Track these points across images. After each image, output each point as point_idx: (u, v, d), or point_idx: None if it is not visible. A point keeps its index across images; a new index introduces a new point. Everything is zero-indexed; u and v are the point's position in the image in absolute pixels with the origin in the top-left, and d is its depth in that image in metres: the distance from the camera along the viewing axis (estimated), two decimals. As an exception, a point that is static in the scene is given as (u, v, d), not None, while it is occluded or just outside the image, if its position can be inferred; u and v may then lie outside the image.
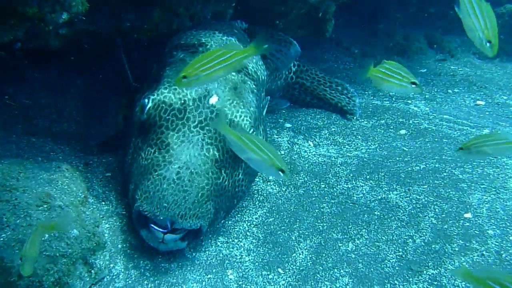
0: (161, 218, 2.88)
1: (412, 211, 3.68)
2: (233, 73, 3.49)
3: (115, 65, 4.26)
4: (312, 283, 3.07)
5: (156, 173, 3.00)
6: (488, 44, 2.31)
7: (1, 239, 2.51)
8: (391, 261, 3.25)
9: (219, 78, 3.03)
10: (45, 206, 2.74)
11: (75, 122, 4.12)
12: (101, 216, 3.32)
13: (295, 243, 3.37)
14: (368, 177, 4.09)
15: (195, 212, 2.93)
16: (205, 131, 3.13)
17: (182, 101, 3.20)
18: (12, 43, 3.11)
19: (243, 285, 3.01)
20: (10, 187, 2.73)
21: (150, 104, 3.19)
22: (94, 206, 3.37)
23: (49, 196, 2.80)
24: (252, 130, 3.27)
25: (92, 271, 2.83)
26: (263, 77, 3.98)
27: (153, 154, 3.10)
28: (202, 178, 3.01)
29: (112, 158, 3.87)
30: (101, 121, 4.10)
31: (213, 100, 3.24)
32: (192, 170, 3.00)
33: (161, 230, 2.94)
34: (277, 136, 4.65)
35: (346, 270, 3.17)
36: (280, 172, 2.44)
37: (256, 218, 3.58)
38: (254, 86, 3.61)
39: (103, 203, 3.46)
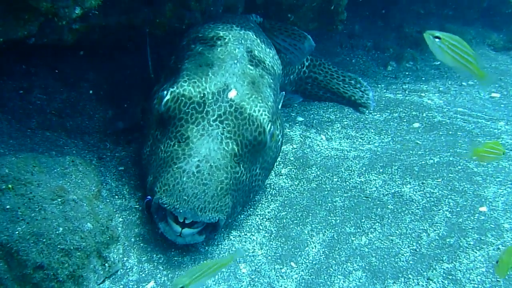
0: (181, 211, 2.89)
1: (426, 205, 3.64)
2: (251, 67, 3.48)
3: (131, 58, 4.28)
4: (325, 277, 3.06)
5: (176, 166, 3.00)
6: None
7: (16, 232, 2.54)
8: (405, 255, 3.23)
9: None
10: (59, 200, 2.76)
11: (88, 116, 4.15)
12: (115, 210, 3.34)
13: (308, 237, 3.36)
14: (381, 170, 4.05)
15: (214, 205, 2.94)
16: (224, 125, 3.12)
17: (202, 95, 3.19)
18: (26, 38, 3.12)
19: (256, 279, 3.01)
20: (25, 181, 2.76)
21: (168, 97, 3.19)
22: (108, 200, 3.40)
23: (63, 190, 2.82)
24: (270, 124, 3.26)
25: (106, 264, 2.86)
26: (279, 72, 3.96)
27: (173, 147, 3.10)
28: (222, 172, 3.01)
29: (125, 152, 3.90)
30: (120, 112, 4.13)
31: (232, 94, 3.23)
32: (212, 164, 3.00)
33: (178, 226, 2.96)
34: (289, 130, 4.63)
35: (360, 264, 3.16)
36: None
37: (268, 212, 3.58)
38: (271, 80, 3.59)
39: (116, 197, 3.49)
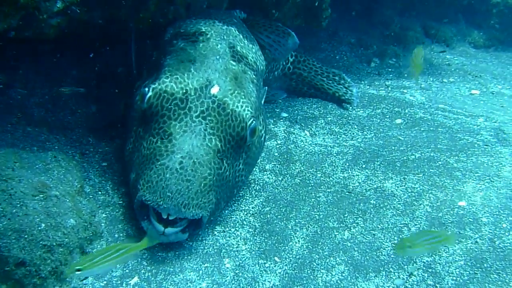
0: (164, 207, 2.88)
1: (408, 200, 3.70)
2: (234, 63, 3.48)
3: (114, 53, 4.23)
4: (308, 271, 3.09)
5: (159, 162, 2.99)
6: None
7: (-2, 228, 2.51)
8: (386, 249, 3.28)
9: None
10: (41, 195, 2.74)
11: (71, 111, 4.11)
12: (98, 205, 3.32)
13: (292, 232, 3.39)
14: (364, 166, 4.10)
15: (197, 202, 2.94)
16: (207, 121, 3.11)
17: (184, 91, 3.18)
18: (6, 32, 3.07)
19: (240, 274, 3.03)
20: (6, 177, 2.72)
21: (150, 93, 3.17)
22: (91, 196, 3.37)
23: (45, 186, 2.79)
24: (252, 120, 3.27)
25: (89, 260, 2.84)
26: (262, 67, 3.97)
27: (155, 143, 3.08)
28: (205, 168, 3.01)
29: (108, 148, 3.87)
30: (103, 107, 4.09)
31: (215, 90, 3.22)
32: (195, 160, 2.99)
33: (161, 226, 2.97)
34: (273, 126, 4.65)
35: (342, 258, 3.20)
36: None
37: (252, 207, 3.59)
38: (254, 76, 3.60)
39: (100, 192, 3.46)
